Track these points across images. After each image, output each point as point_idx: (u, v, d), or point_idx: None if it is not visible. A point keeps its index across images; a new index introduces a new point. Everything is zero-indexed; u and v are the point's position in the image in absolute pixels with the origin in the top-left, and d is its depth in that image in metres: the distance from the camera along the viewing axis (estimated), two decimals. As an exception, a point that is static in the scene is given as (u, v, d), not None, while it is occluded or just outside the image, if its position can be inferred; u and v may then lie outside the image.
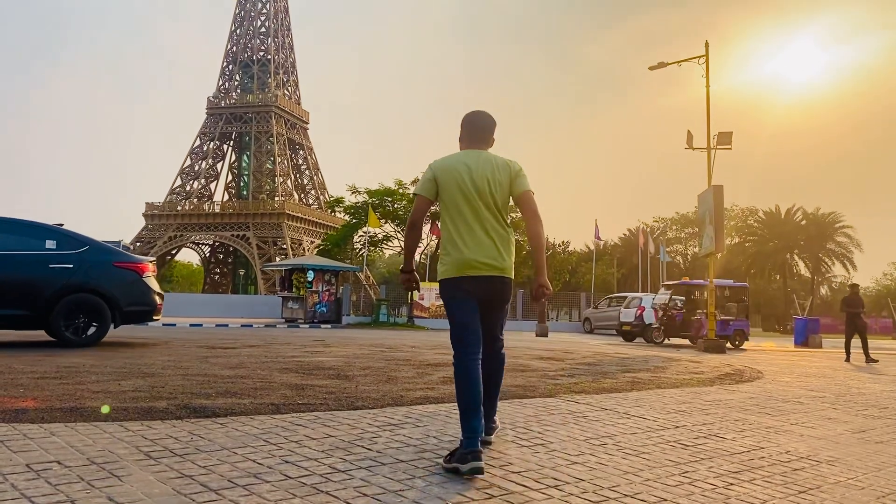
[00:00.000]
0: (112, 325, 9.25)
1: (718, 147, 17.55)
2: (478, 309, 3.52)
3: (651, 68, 19.40)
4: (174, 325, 19.79)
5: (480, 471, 3.01)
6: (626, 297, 26.69)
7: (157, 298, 9.61)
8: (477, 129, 3.78)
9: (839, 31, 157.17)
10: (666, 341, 20.55)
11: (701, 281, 21.83)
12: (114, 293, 9.06)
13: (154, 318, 9.70)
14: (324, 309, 27.00)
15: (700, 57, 17.97)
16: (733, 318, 20.43)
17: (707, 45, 17.92)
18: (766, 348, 20.14)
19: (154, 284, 9.65)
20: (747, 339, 21.14)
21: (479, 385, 3.32)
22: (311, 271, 26.97)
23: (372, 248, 41.02)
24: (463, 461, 3.02)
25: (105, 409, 3.96)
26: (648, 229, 61.60)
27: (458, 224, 3.53)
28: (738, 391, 6.67)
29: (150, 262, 9.86)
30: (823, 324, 28.38)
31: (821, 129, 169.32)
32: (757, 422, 4.78)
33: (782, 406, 5.71)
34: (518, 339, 17.76)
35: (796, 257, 64.37)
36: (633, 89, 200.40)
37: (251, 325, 21.94)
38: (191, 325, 20.67)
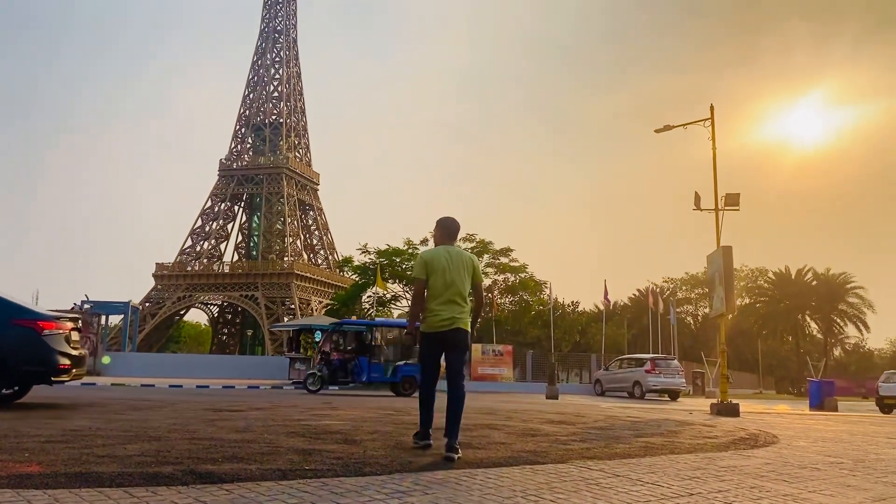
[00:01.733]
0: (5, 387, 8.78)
1: (726, 208, 17.59)
2: (440, 358, 5.59)
3: (657, 131, 19.63)
4: (181, 386, 19.70)
5: (430, 445, 5.57)
6: (888, 372, 24.53)
7: (63, 358, 8.98)
8: (448, 232, 5.91)
9: (846, 94, 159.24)
10: (323, 389, 18.59)
11: (365, 321, 20.56)
12: (5, 351, 8.62)
13: (57, 378, 9.07)
14: (331, 370, 26.79)
15: (706, 120, 18.18)
16: (402, 362, 19.06)
17: (712, 108, 18.16)
18: (781, 411, 19.76)
19: (60, 343, 9.06)
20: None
21: (432, 401, 5.70)
22: (318, 332, 26.90)
23: (380, 308, 41.03)
24: (421, 438, 5.68)
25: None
26: (658, 289, 61.40)
27: (437, 298, 5.52)
28: (754, 457, 6.54)
29: (60, 319, 9.33)
30: (838, 386, 27.91)
31: (829, 189, 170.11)
32: (773, 489, 4.67)
33: (799, 472, 5.58)
34: (528, 402, 17.51)
35: (808, 318, 63.81)
36: (639, 150, 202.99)
37: (258, 387, 21.78)
38: (197, 386, 20.55)
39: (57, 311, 10.57)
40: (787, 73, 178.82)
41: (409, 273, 38.64)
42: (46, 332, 8.96)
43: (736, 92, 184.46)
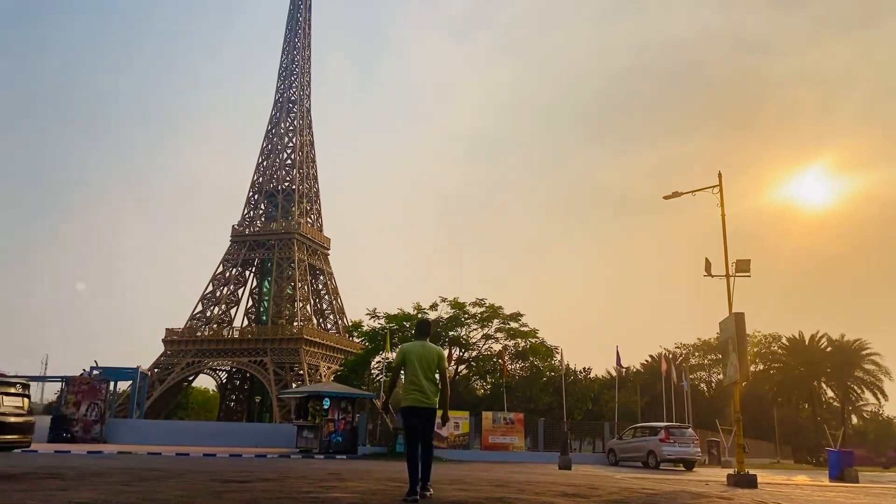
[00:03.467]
0: None
1: (737, 275, 17.54)
2: (418, 425, 7.75)
3: (666, 198, 19.73)
4: (188, 454, 19.46)
5: (416, 501, 7.20)
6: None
7: None
8: (422, 332, 8.26)
9: (854, 159, 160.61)
10: None
11: None
12: None
13: None
14: (339, 439, 26.45)
15: (714, 187, 18.30)
16: None
17: (720, 175, 18.30)
18: (800, 482, 19.25)
19: None
20: None
21: (417, 460, 7.65)
22: (326, 399, 26.64)
23: (390, 374, 40.74)
24: (409, 495, 7.32)
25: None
26: (671, 356, 60.68)
27: (413, 380, 7.75)
28: (774, 533, 6.34)
29: None
30: (858, 455, 27.22)
31: (840, 254, 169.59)
32: (796, 569, 4.51)
33: (822, 550, 5.40)
34: (541, 473, 17.14)
35: (824, 385, 62.69)
36: (649, 215, 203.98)
37: (265, 456, 21.47)
38: (204, 454, 20.31)
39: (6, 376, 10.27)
40: (792, 139, 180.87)
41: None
42: None
43: (743, 156, 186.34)
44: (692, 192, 18.90)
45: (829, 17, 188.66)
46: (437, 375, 7.84)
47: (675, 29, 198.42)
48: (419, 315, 39.56)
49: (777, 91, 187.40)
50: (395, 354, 8.60)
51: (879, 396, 60.47)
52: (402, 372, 8.06)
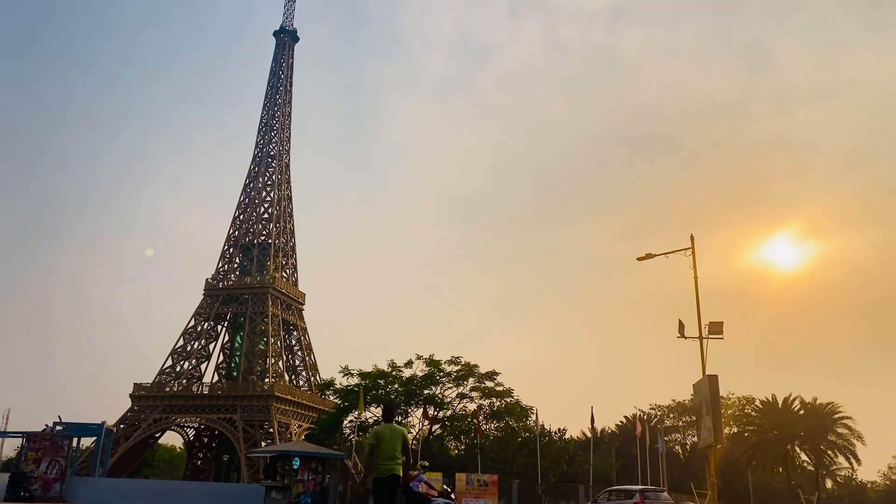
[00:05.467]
0: None
1: (710, 336, 17.70)
2: (385, 493, 10.41)
3: (639, 259, 20.03)
4: (151, 515, 18.82)
5: None
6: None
7: None
8: (390, 414, 11.06)
9: (823, 224, 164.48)
10: None
11: None
12: None
13: None
14: (308, 500, 25.77)
15: (686, 249, 18.62)
16: None
17: (692, 238, 18.64)
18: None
19: None
20: None
21: None
22: (296, 458, 26.06)
23: (362, 434, 40.02)
24: None
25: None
26: (645, 417, 60.39)
27: (383, 455, 10.36)
28: None
29: None
30: (833, 522, 26.97)
31: (811, 317, 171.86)
32: None
33: None
34: (513, 536, 16.76)
35: (797, 448, 62.51)
36: (623, 276, 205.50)
37: (232, 517, 20.83)
38: (168, 515, 19.64)
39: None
40: (765, 201, 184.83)
41: (393, 396, 38.65)
42: None
43: (715, 219, 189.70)
44: (665, 253, 19.21)
45: (796, 85, 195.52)
46: (400, 452, 10.37)
47: (648, 94, 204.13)
48: (393, 373, 39.25)
49: (748, 155, 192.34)
50: (368, 436, 11.64)
51: (852, 461, 60.34)
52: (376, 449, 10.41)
